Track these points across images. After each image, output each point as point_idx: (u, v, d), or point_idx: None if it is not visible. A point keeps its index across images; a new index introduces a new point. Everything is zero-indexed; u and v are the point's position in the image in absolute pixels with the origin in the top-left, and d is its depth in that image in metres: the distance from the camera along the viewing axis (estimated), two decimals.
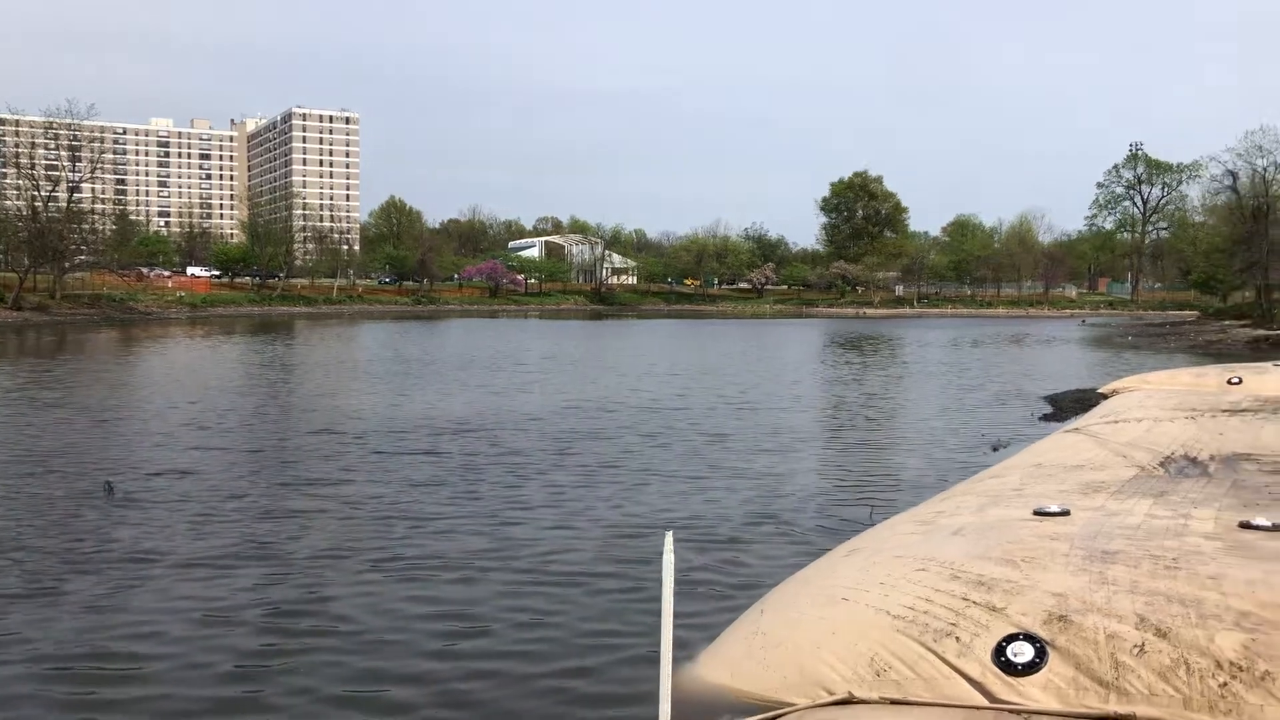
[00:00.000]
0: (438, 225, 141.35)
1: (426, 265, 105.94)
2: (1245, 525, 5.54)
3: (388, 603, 6.65)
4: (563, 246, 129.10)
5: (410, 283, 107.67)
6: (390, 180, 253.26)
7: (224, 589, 6.93)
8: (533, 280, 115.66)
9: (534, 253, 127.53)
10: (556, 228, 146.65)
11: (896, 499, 9.87)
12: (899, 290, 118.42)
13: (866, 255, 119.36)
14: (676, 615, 6.05)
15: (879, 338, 50.54)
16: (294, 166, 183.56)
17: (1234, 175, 64.99)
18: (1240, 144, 69.09)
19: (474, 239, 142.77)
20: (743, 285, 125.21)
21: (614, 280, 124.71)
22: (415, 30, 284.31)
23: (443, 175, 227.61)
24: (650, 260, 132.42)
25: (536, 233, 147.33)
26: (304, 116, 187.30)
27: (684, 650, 5.22)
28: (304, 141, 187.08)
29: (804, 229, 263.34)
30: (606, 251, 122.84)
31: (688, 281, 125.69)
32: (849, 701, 4.22)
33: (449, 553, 7.90)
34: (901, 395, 21.86)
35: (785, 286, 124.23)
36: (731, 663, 4.85)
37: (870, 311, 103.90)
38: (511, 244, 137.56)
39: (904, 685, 4.21)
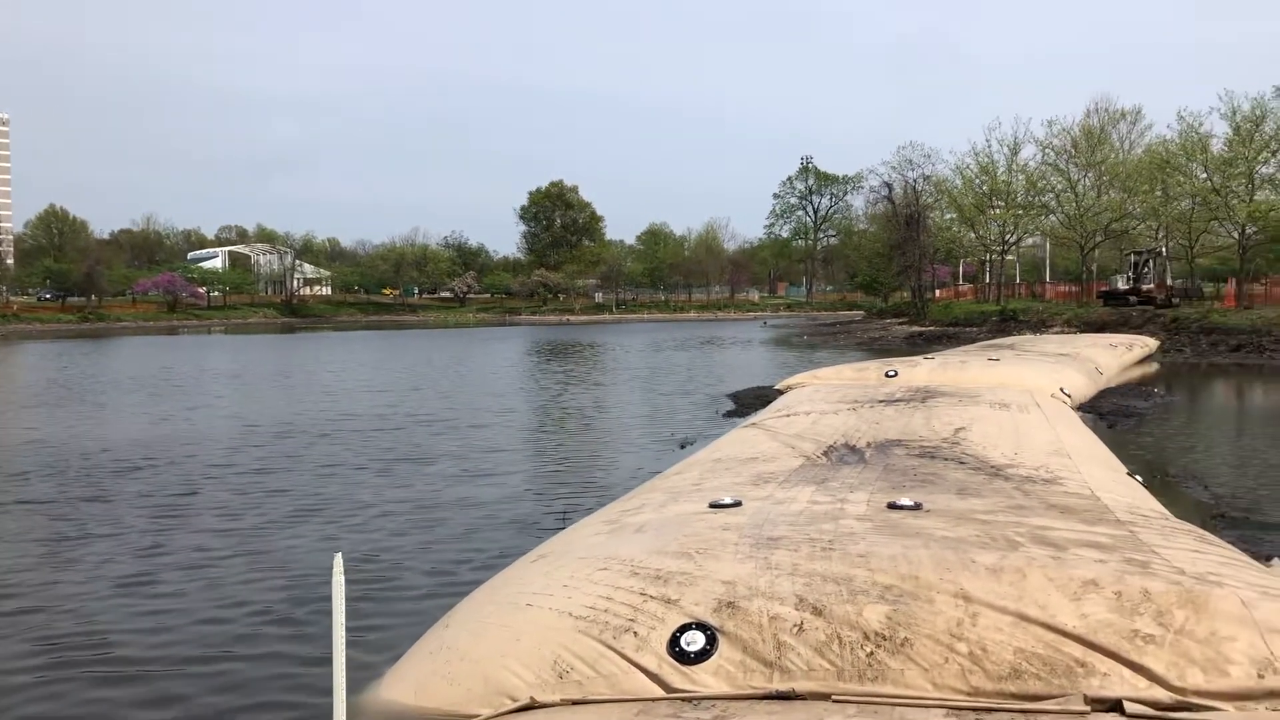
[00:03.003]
0: (107, 236, 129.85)
1: (94, 279, 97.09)
2: (892, 506, 6.07)
3: None
4: (249, 257, 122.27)
5: (76, 299, 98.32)
6: (50, 187, 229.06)
7: None
8: (216, 293, 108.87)
9: (217, 264, 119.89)
10: (242, 237, 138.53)
11: (593, 502, 10.05)
12: (599, 297, 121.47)
13: (567, 263, 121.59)
14: (364, 646, 5.88)
15: (583, 344, 51.56)
16: None
17: (890, 186, 71.81)
18: (894, 158, 76.55)
19: (149, 250, 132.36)
20: (444, 294, 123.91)
21: (306, 291, 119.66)
22: (75, 26, 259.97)
23: (112, 182, 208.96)
24: (345, 270, 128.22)
25: (219, 242, 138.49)
26: None
27: (368, 675, 5.06)
28: None
29: (505, 237, 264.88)
30: (297, 261, 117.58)
31: (386, 291, 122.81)
32: (531, 707, 4.23)
33: (82, 638, 6.40)
34: (602, 400, 22.39)
35: (488, 295, 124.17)
36: (417, 680, 4.73)
37: (573, 318, 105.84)
38: (191, 255, 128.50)
39: (585, 685, 4.27)
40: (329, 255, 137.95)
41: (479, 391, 24.54)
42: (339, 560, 3.87)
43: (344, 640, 3.85)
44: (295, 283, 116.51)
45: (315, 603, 6.99)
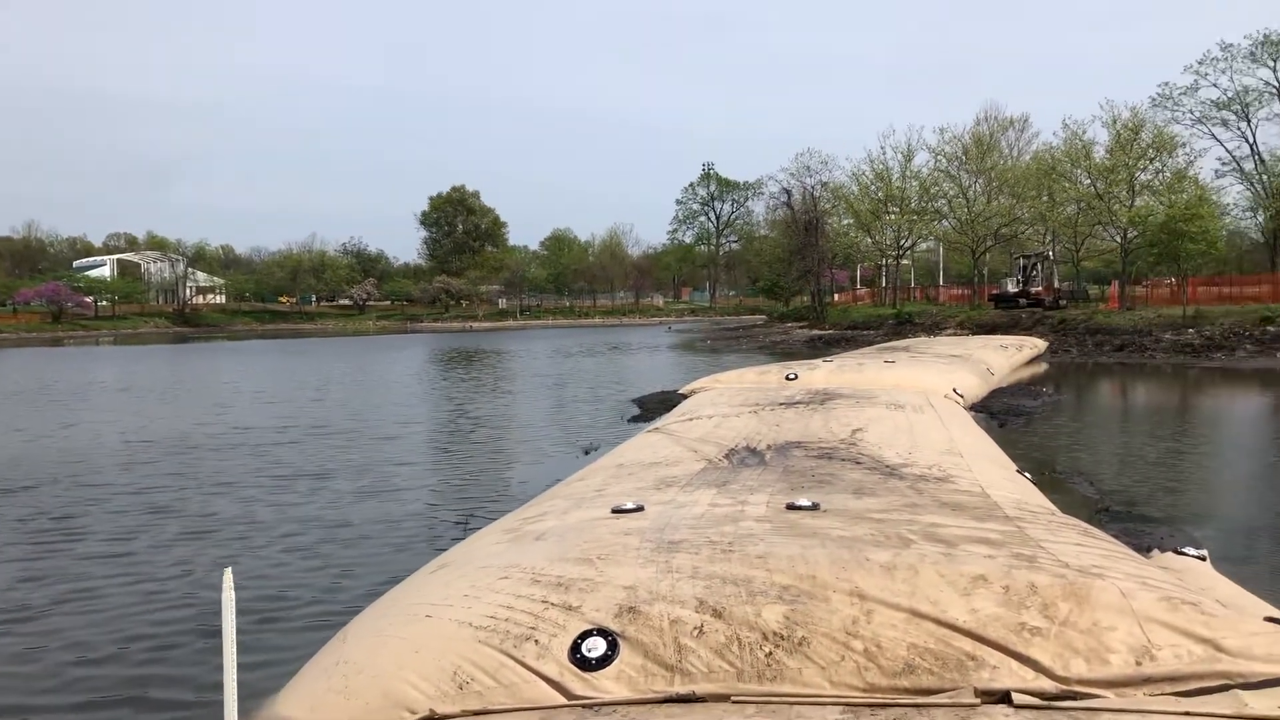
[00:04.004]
0: None
1: None
2: (791, 506, 6.15)
3: None
4: (139, 265, 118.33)
5: None
6: None
7: None
8: (104, 303, 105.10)
9: (105, 272, 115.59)
10: (131, 245, 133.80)
11: (497, 512, 9.94)
12: (502, 303, 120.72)
13: (469, 269, 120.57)
14: (258, 668, 5.71)
15: (487, 352, 51.12)
16: None
17: (788, 193, 73.10)
18: (793, 165, 78.08)
19: (31, 258, 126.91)
20: (343, 302, 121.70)
21: (200, 300, 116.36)
22: None
23: None
24: (240, 278, 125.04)
25: (107, 250, 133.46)
26: None
27: (262, 696, 4.92)
28: None
29: (405, 244, 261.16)
30: (190, 269, 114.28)
31: (282, 299, 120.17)
32: (430, 719, 4.17)
33: None
34: (507, 409, 22.22)
35: (389, 302, 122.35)
36: (312, 697, 4.61)
37: (476, 325, 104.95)
38: (77, 263, 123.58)
39: (486, 695, 4.22)
40: (223, 263, 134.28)
41: (381, 402, 24.13)
42: (229, 575, 3.77)
43: (235, 660, 3.74)
44: (188, 291, 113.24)
45: (207, 628, 6.71)
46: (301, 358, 47.55)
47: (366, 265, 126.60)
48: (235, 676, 3.73)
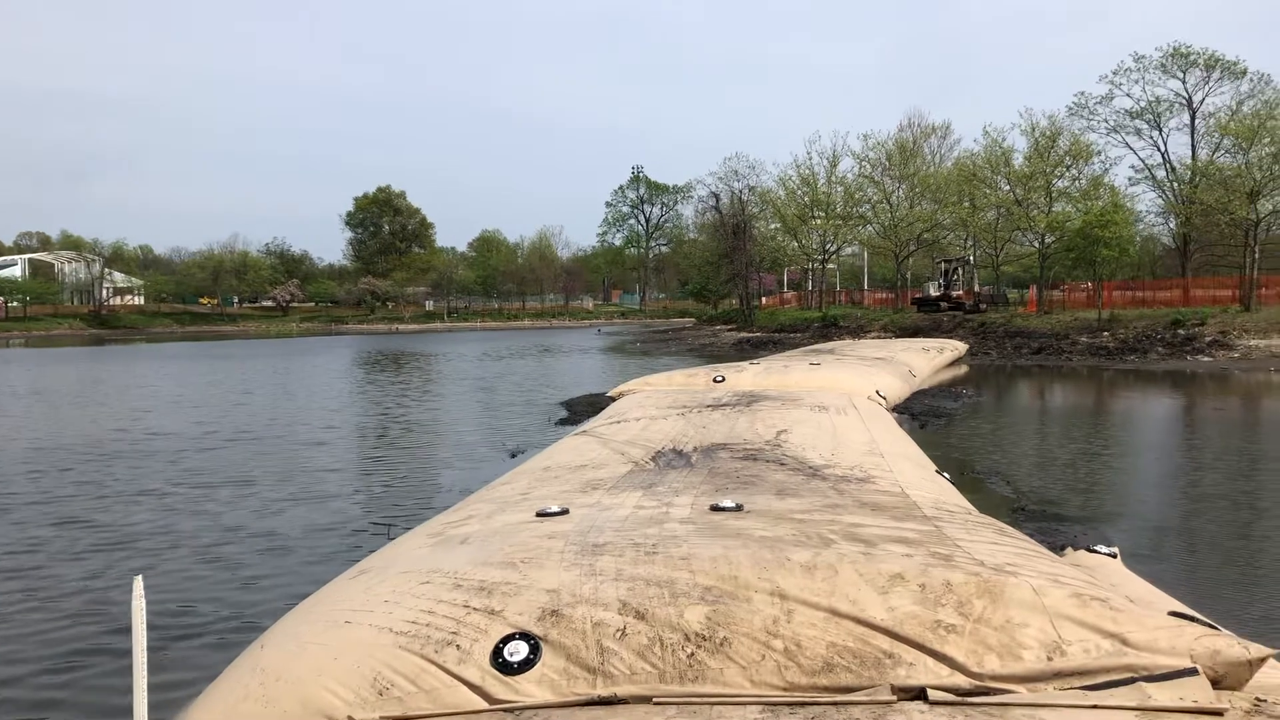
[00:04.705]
0: None
1: None
2: (715, 508, 6.19)
3: None
4: (52, 265, 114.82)
5: None
6: None
7: None
8: (15, 304, 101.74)
9: (15, 272, 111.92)
10: (45, 244, 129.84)
11: (422, 516, 9.83)
12: (429, 305, 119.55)
13: (395, 271, 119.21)
14: (172, 683, 5.57)
15: (415, 354, 50.55)
16: None
17: (717, 196, 73.67)
18: (721, 169, 78.67)
19: None
20: (266, 303, 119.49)
21: (117, 301, 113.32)
22: None
23: None
24: (160, 278, 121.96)
25: (19, 249, 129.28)
26: None
27: (175, 708, 4.81)
28: None
29: (330, 244, 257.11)
30: (107, 270, 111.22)
31: (203, 301, 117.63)
32: None
33: None
34: (436, 412, 22.00)
35: (313, 304, 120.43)
36: (228, 706, 4.51)
37: (403, 327, 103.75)
38: None
39: (406, 701, 4.18)
40: (141, 263, 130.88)
41: (304, 407, 23.72)
42: (139, 583, 3.68)
43: (145, 673, 3.65)
44: (105, 292, 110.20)
45: (118, 643, 6.45)
46: (223, 360, 46.51)
47: (290, 266, 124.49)
48: (145, 689, 3.64)
